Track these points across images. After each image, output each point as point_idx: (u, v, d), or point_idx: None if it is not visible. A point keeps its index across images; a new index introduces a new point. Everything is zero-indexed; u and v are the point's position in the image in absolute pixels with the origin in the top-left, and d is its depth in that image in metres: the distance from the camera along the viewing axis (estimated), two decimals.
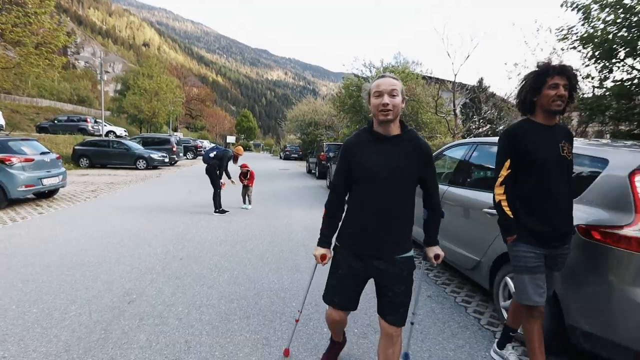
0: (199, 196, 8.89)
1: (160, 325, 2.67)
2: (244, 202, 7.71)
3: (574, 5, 3.96)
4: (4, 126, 18.13)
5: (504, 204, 2.03)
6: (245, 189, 7.70)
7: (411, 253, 1.79)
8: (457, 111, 12.10)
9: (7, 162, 6.57)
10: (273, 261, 4.24)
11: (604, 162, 2.27)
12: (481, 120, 13.47)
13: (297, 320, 2.34)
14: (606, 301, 2.03)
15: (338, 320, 1.91)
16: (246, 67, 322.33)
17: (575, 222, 2.14)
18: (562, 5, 4.03)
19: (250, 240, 5.14)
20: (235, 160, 7.38)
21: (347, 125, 20.85)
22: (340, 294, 1.83)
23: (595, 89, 5.25)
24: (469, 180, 3.74)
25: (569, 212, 2.02)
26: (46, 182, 7.32)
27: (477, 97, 13.68)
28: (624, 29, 3.71)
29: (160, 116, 34.65)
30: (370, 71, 15.01)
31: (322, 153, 14.61)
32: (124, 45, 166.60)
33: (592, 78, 5.15)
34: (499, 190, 2.04)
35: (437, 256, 1.90)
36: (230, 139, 53.49)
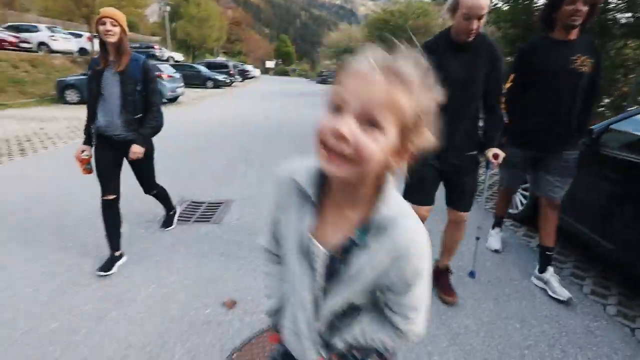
0: (267, 106, 13.36)
1: (268, 117, 7.22)
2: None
3: None
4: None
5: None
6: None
7: (476, 152, 1.97)
8: None
9: (160, 77, 11.16)
10: (311, 118, 8.68)
11: None
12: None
13: None
14: None
15: (424, 215, 1.94)
16: None
17: None
18: None
19: (299, 115, 9.60)
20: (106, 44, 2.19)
21: None
22: (423, 191, 1.93)
23: None
24: None
25: (568, 120, 2.15)
26: (178, 90, 11.98)
27: None
28: None
29: (209, 42, 38.16)
30: (395, 6, 17.58)
31: None
32: None
33: None
34: (502, 99, 2.21)
35: (495, 155, 1.94)
36: (269, 64, 56.02)
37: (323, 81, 35.23)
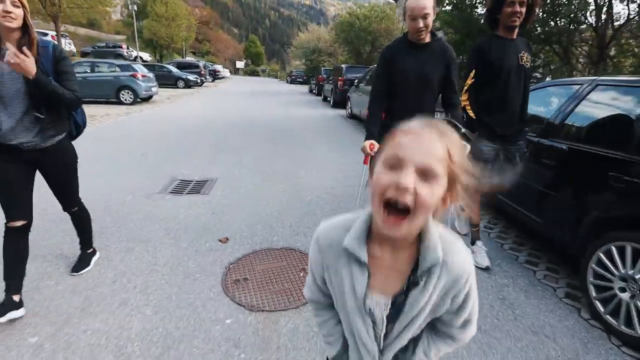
0: (239, 105, 14.00)
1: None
2: None
3: None
4: (75, 52, 22.50)
5: (468, 108, 2.45)
6: None
7: None
8: None
9: (135, 77, 11.54)
10: (282, 114, 9.48)
11: None
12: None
13: None
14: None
15: None
16: None
17: None
18: None
19: (272, 113, 10.36)
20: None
21: (345, 52, 24.60)
22: None
23: None
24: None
25: (521, 112, 2.44)
26: (152, 89, 12.38)
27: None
28: None
29: (177, 42, 37.86)
30: (360, 10, 18.71)
31: (320, 76, 19.10)
32: None
33: None
34: (464, 97, 2.43)
35: None
36: (240, 64, 55.97)
37: (293, 81, 36.04)
